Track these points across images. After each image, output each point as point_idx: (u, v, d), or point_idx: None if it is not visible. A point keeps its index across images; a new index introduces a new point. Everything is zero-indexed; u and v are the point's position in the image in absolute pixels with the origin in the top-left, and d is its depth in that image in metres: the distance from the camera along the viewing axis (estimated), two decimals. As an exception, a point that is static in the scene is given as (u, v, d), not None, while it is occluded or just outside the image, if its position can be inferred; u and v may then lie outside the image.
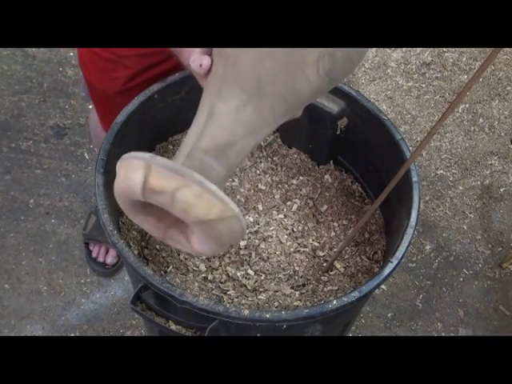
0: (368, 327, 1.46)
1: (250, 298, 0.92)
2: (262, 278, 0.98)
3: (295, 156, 1.14)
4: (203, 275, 0.95)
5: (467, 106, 1.96)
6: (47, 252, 1.52)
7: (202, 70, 0.64)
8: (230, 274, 0.97)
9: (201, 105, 0.64)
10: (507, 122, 1.93)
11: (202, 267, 0.97)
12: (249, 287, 0.95)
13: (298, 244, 1.04)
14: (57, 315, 1.42)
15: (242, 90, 0.59)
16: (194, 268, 0.96)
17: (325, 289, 0.96)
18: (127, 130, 0.95)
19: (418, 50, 2.09)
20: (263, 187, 1.10)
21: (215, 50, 0.63)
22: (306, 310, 0.76)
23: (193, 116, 1.15)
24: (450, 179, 1.78)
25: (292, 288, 0.96)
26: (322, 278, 0.98)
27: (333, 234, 1.05)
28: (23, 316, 1.41)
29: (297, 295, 0.95)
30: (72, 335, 1.39)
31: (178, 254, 0.98)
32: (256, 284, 0.96)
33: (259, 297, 0.93)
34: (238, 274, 0.97)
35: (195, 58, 0.64)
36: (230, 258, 1.00)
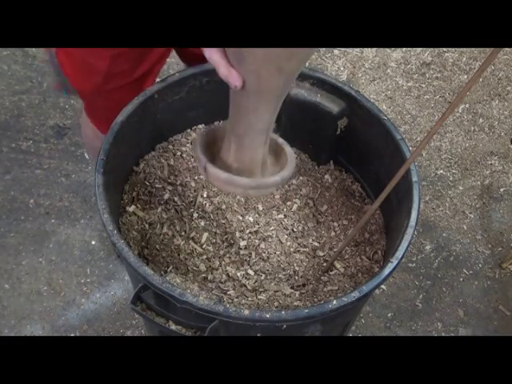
0: (368, 327, 1.46)
1: (249, 298, 0.92)
2: (262, 278, 0.98)
3: (295, 156, 1.14)
4: (203, 275, 0.95)
5: (467, 106, 1.96)
6: (47, 252, 1.52)
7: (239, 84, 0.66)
8: (230, 274, 0.97)
9: (268, 101, 0.71)
10: (507, 122, 1.93)
11: (202, 267, 0.97)
12: (249, 287, 0.95)
13: (298, 244, 1.04)
14: (57, 315, 1.42)
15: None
16: (194, 268, 0.97)
17: (325, 289, 0.96)
18: (127, 130, 0.95)
19: (418, 49, 2.09)
20: (263, 187, 1.10)
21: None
22: (306, 310, 0.76)
23: (193, 116, 1.16)
24: (450, 179, 1.77)
25: (292, 288, 0.96)
26: (322, 278, 0.98)
27: (333, 234, 1.05)
28: (23, 316, 1.41)
29: (297, 295, 0.95)
30: (72, 335, 1.39)
31: (178, 254, 0.98)
32: (256, 284, 0.96)
33: (259, 297, 0.93)
34: (238, 274, 0.97)
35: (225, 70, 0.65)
36: (229, 258, 1.00)
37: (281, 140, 0.88)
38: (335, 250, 1.02)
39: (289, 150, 0.86)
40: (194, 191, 1.06)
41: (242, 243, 1.02)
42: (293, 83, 0.74)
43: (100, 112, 1.12)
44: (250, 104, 0.71)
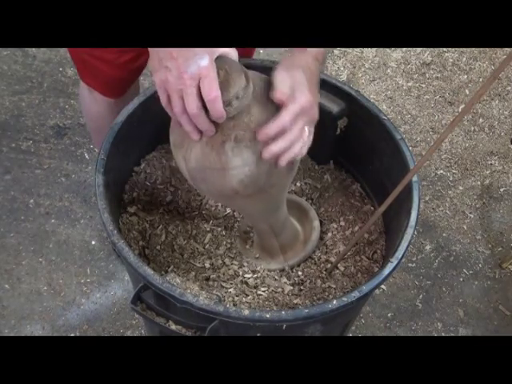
0: (368, 327, 1.46)
1: (250, 296, 0.92)
2: (264, 274, 0.98)
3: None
4: (204, 274, 0.95)
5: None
6: (47, 252, 1.52)
7: None
8: (231, 271, 0.97)
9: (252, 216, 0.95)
10: (507, 122, 1.93)
11: (203, 266, 0.97)
12: (250, 283, 0.95)
13: (298, 244, 1.04)
14: (57, 315, 1.42)
15: None
16: (195, 267, 0.96)
17: (323, 285, 0.96)
18: (127, 130, 0.95)
19: (418, 49, 2.09)
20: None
21: None
22: (306, 310, 0.76)
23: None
24: (450, 179, 1.77)
25: (292, 285, 0.96)
26: (322, 276, 0.99)
27: (332, 234, 1.05)
28: (23, 316, 1.41)
29: (296, 292, 0.95)
30: (72, 335, 1.39)
31: (180, 254, 0.98)
32: (257, 281, 0.96)
33: (259, 293, 0.93)
34: (240, 271, 0.97)
35: None
36: (231, 256, 1.00)
37: (305, 204, 1.05)
38: (335, 250, 1.02)
39: (312, 216, 1.03)
40: (198, 195, 1.06)
41: (243, 242, 1.02)
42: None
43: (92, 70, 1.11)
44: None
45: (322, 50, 0.72)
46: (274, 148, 0.67)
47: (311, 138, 0.73)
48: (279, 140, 0.68)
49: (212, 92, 0.61)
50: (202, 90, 0.61)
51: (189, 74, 0.60)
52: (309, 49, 0.70)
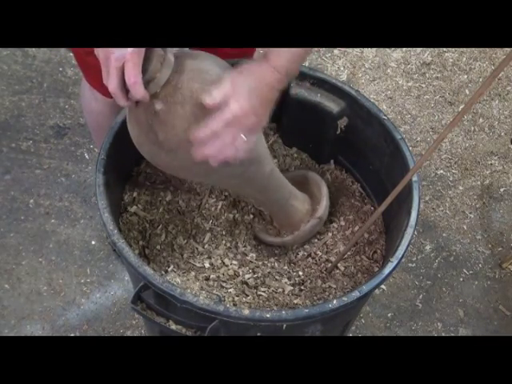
0: (368, 327, 1.46)
1: (250, 296, 0.92)
2: (264, 274, 0.98)
3: (295, 155, 1.14)
4: (204, 274, 0.95)
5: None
6: (47, 252, 1.52)
7: None
8: (231, 271, 0.97)
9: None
10: (507, 122, 1.92)
11: (203, 265, 0.97)
12: (250, 284, 0.95)
13: (298, 243, 1.04)
14: (57, 315, 1.42)
15: None
16: (195, 267, 0.97)
17: (324, 285, 0.96)
18: (128, 130, 0.95)
19: (418, 49, 2.09)
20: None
21: None
22: (306, 310, 0.76)
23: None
24: (450, 179, 1.77)
25: (292, 285, 0.96)
26: (322, 276, 0.99)
27: (332, 233, 1.05)
28: (23, 316, 1.41)
29: (296, 292, 0.95)
30: (72, 335, 1.39)
31: (180, 254, 0.98)
32: (257, 281, 0.96)
33: (259, 293, 0.93)
34: (240, 271, 0.97)
35: None
36: (231, 256, 1.00)
37: (312, 176, 1.07)
38: (335, 250, 1.02)
39: (319, 185, 1.05)
40: (198, 194, 1.06)
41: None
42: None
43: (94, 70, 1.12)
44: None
45: (285, 63, 0.72)
46: (205, 151, 0.73)
47: (249, 144, 0.75)
48: (209, 144, 0.72)
49: (131, 77, 0.66)
50: (125, 73, 0.66)
51: (115, 55, 0.65)
52: (273, 59, 0.72)
